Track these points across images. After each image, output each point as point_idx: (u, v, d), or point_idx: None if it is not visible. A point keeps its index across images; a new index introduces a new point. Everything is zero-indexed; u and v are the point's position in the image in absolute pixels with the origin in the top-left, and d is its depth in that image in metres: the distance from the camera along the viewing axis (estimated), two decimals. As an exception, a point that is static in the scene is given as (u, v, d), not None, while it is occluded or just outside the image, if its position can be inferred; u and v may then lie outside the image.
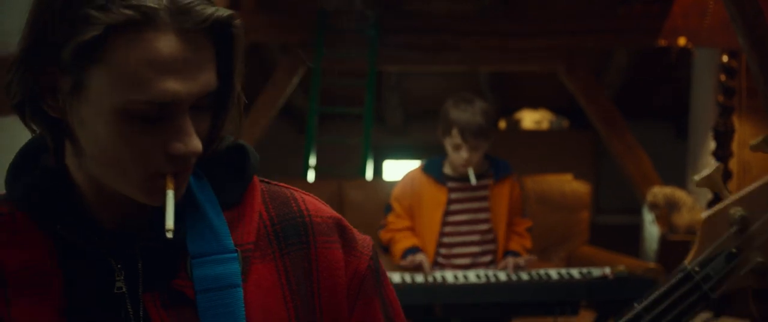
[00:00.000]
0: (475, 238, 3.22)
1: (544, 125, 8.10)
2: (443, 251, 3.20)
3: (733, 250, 1.26)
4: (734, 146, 3.91)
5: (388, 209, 3.29)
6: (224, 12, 0.92)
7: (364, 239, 1.09)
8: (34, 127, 0.95)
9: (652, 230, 5.41)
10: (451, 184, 3.21)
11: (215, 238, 0.99)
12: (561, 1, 6.01)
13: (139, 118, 0.89)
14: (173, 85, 0.88)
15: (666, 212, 4.97)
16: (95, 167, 0.94)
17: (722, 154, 3.87)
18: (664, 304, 1.27)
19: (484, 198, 3.22)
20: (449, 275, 3.06)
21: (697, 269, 1.27)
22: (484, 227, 3.22)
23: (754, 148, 1.28)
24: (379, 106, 7.42)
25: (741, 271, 1.27)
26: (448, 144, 3.12)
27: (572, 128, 8.14)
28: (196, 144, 0.92)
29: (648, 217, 5.47)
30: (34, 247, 0.97)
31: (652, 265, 4.05)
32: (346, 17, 5.84)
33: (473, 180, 3.13)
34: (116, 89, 0.88)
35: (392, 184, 4.84)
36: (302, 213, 1.06)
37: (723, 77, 3.93)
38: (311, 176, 5.93)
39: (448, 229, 3.21)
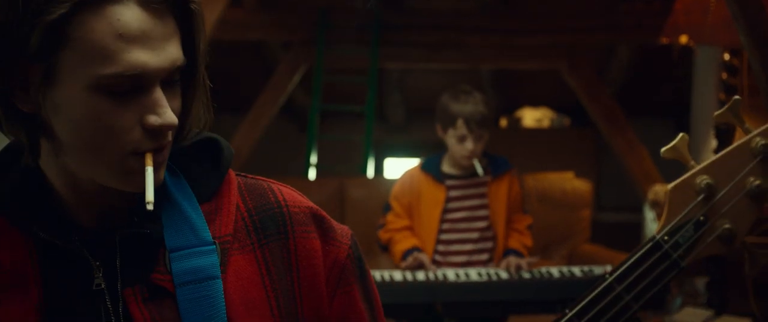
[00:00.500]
0: (473, 235, 3.21)
1: (545, 123, 8.10)
2: (441, 248, 3.19)
3: (701, 217, 1.29)
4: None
5: (387, 208, 3.29)
6: None
7: (342, 229, 1.09)
8: (9, 130, 0.95)
9: (653, 227, 5.40)
10: (449, 182, 3.21)
11: (193, 231, 0.99)
12: (563, -2, 6.01)
13: (112, 93, 0.90)
14: (142, 56, 0.90)
15: (667, 210, 4.95)
16: (72, 157, 0.94)
17: (724, 152, 3.86)
18: (635, 273, 1.31)
19: (482, 195, 3.22)
20: (450, 273, 3.06)
21: (666, 238, 1.30)
22: (482, 224, 3.21)
23: (665, 155, 1.31)
24: (380, 103, 7.42)
25: (709, 238, 1.30)
26: (452, 137, 3.11)
27: (573, 126, 8.13)
28: (171, 116, 0.93)
29: (649, 215, 5.46)
30: (12, 248, 0.98)
31: (653, 263, 4.04)
32: (348, 15, 5.84)
33: (480, 171, 3.14)
34: (86, 66, 0.89)
35: (393, 182, 4.84)
36: (279, 204, 1.06)
37: (724, 75, 3.92)
38: (312, 174, 5.93)
39: (446, 226, 3.20)
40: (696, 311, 3.52)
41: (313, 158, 5.95)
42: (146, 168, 0.93)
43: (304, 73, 6.05)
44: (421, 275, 3.06)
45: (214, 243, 0.99)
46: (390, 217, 3.25)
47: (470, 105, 3.06)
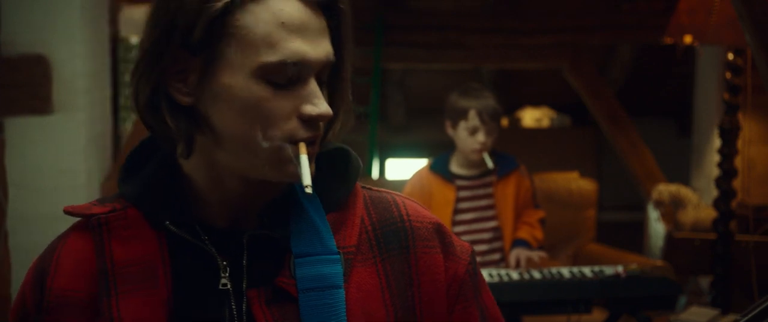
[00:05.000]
0: (484, 235, 3.23)
1: (545, 123, 8.10)
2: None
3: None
4: (739, 144, 3.91)
5: None
6: None
7: (462, 245, 1.11)
8: (169, 122, 0.97)
9: (657, 227, 5.42)
10: (458, 182, 3.23)
11: (319, 240, 1.01)
12: (565, -2, 6.02)
13: (272, 82, 0.94)
14: (303, 46, 0.94)
15: (671, 209, 4.97)
16: (228, 148, 0.97)
17: (727, 151, 3.87)
18: None
19: (489, 195, 3.23)
20: (461, 274, 3.06)
21: None
22: (492, 223, 3.23)
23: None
24: (381, 104, 7.42)
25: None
26: (463, 129, 3.12)
27: (574, 126, 8.14)
28: (327, 107, 0.96)
29: (653, 214, 5.48)
30: (144, 242, 1.01)
31: (660, 263, 4.07)
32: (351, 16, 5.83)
33: (490, 164, 3.15)
34: (249, 54, 0.93)
35: (395, 183, 4.85)
36: (402, 219, 1.08)
37: (728, 75, 3.93)
38: (316, 175, 5.93)
39: (457, 229, 3.21)
40: (701, 310, 3.53)
41: (316, 159, 5.95)
42: (301, 156, 0.95)
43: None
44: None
45: (339, 253, 1.01)
46: None
47: (481, 98, 3.09)
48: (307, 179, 0.94)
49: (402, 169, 8.27)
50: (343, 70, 1.04)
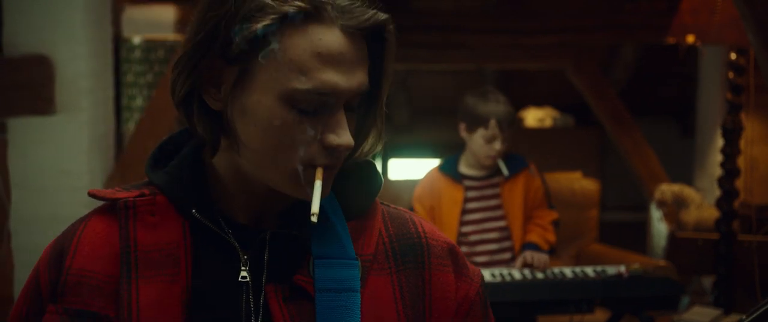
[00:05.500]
0: (493, 235, 3.23)
1: (548, 123, 8.10)
2: (464, 249, 3.21)
3: None
4: (742, 144, 3.91)
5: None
6: (382, 15, 1.00)
7: (474, 269, 1.13)
8: (197, 123, 1.00)
9: (659, 227, 5.42)
10: (467, 182, 3.24)
11: (338, 244, 1.03)
12: (568, -3, 6.01)
13: (299, 108, 0.95)
14: (335, 78, 0.94)
15: (674, 209, 4.97)
16: (249, 159, 0.99)
17: (730, 151, 3.87)
18: None
19: (497, 195, 3.23)
20: (464, 275, 3.07)
21: None
22: (500, 223, 3.23)
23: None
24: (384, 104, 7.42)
25: None
26: (480, 137, 3.12)
27: (576, 126, 8.14)
28: (349, 139, 0.97)
29: (656, 214, 5.48)
30: (168, 229, 1.03)
31: (663, 262, 4.06)
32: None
33: (505, 171, 3.17)
34: (281, 77, 0.94)
35: (398, 183, 4.86)
36: (419, 235, 1.10)
37: (731, 74, 3.92)
38: (320, 175, 5.93)
39: (465, 228, 3.22)
40: (704, 309, 3.53)
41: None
42: (316, 182, 0.96)
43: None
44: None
45: (357, 259, 1.03)
46: None
47: (501, 105, 3.09)
48: (315, 206, 0.95)
49: (405, 169, 8.27)
50: (379, 98, 1.04)
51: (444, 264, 1.08)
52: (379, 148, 1.08)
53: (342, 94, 0.96)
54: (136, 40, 4.28)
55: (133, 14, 4.00)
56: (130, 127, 4.06)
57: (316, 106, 0.95)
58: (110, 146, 3.63)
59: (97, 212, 1.08)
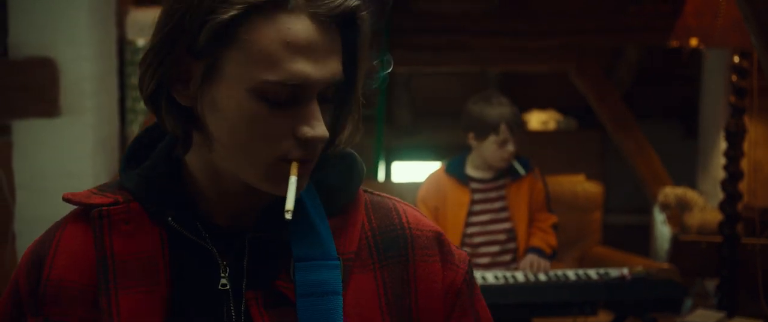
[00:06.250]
0: (500, 237, 3.24)
1: (551, 125, 8.11)
2: (468, 250, 3.22)
3: None
4: (745, 146, 3.91)
5: None
6: (353, 2, 0.94)
7: (460, 254, 1.09)
8: (166, 121, 0.97)
9: (663, 230, 5.42)
10: (473, 184, 3.24)
11: (320, 244, 1.00)
12: (571, 0, 6.02)
13: (271, 100, 0.91)
14: (305, 68, 0.91)
15: (677, 212, 4.98)
16: (221, 154, 0.96)
17: (733, 154, 3.87)
18: None
19: (503, 198, 3.24)
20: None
21: None
22: (505, 225, 3.24)
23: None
24: (388, 106, 7.43)
25: None
26: (493, 143, 3.12)
27: (580, 128, 8.15)
28: (324, 130, 0.93)
29: (659, 217, 5.48)
30: (145, 237, 1.00)
31: (666, 265, 4.06)
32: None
33: (522, 170, 3.18)
34: (250, 70, 0.90)
35: (402, 185, 4.86)
36: (403, 226, 1.06)
37: (734, 77, 3.92)
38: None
39: (470, 230, 3.23)
40: (707, 312, 3.53)
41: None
42: (291, 177, 0.93)
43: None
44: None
45: (339, 259, 1.00)
46: None
47: (507, 108, 3.10)
48: (290, 203, 0.92)
49: (408, 171, 8.27)
50: (355, 87, 1.00)
51: (430, 254, 1.05)
52: (357, 139, 1.04)
53: (314, 84, 0.92)
54: (141, 42, 4.29)
55: (137, 17, 4.00)
56: (135, 129, 4.06)
57: (287, 98, 0.92)
58: (114, 148, 3.64)
59: (73, 216, 1.06)
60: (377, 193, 1.11)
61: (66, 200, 1.04)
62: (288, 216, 0.92)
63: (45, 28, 3.33)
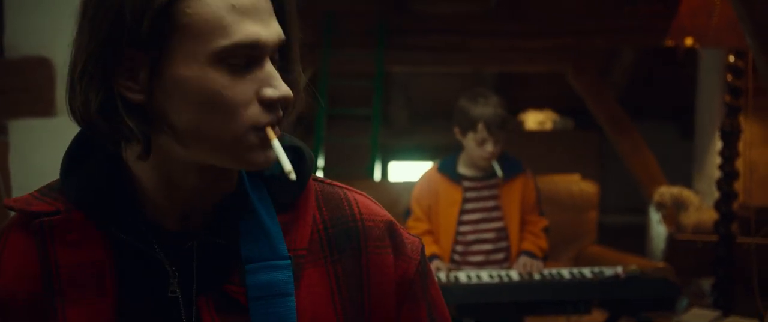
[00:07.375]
0: (489, 236, 3.25)
1: (548, 126, 8.12)
2: (459, 248, 3.23)
3: None
4: (741, 146, 3.92)
5: (408, 214, 3.33)
6: None
7: (413, 243, 1.08)
8: (126, 126, 0.91)
9: (659, 229, 5.43)
10: (465, 183, 3.26)
11: (269, 243, 0.98)
12: (567, 1, 6.03)
13: (229, 67, 0.90)
14: (255, 28, 0.91)
15: (673, 211, 4.99)
16: (188, 142, 0.92)
17: (729, 154, 3.88)
18: None
19: (495, 197, 3.25)
20: (462, 275, 3.08)
21: None
22: (497, 225, 3.25)
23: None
24: (384, 107, 7.44)
25: None
26: (472, 140, 3.14)
27: (576, 128, 8.16)
28: (286, 88, 0.93)
29: (655, 217, 5.49)
30: (90, 247, 0.97)
31: (661, 264, 4.07)
32: (354, 19, 5.87)
33: (500, 172, 3.18)
34: (202, 43, 0.89)
35: (398, 185, 4.87)
36: (355, 218, 1.05)
37: (730, 77, 3.94)
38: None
39: (463, 228, 3.24)
40: (702, 312, 3.54)
41: (320, 161, 5.99)
42: (272, 142, 0.92)
43: (310, 77, 6.07)
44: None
45: (290, 258, 0.98)
46: (410, 222, 3.29)
47: (490, 108, 3.10)
48: (286, 164, 0.92)
49: (405, 171, 8.29)
50: (293, 52, 0.99)
51: (382, 245, 1.04)
52: (301, 108, 1.01)
53: (265, 45, 0.92)
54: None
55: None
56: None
57: (244, 63, 0.91)
58: (111, 148, 3.64)
59: (16, 224, 1.02)
60: (327, 181, 1.10)
61: (7, 207, 1.00)
62: (292, 176, 0.91)
63: (42, 28, 3.33)
